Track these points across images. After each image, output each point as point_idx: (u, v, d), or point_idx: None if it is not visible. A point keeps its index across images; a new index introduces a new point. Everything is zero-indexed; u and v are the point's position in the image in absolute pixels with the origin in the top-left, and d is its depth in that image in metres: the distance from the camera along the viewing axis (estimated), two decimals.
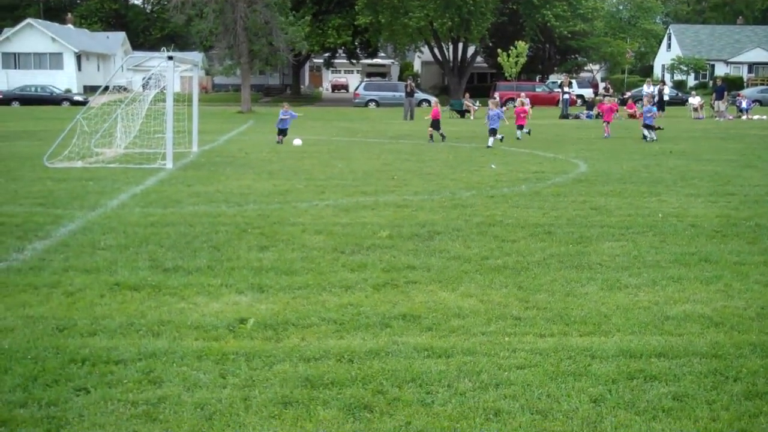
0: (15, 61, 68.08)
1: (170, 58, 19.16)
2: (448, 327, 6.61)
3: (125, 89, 23.09)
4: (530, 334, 6.44)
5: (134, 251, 9.23)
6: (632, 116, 42.30)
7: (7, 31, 68.09)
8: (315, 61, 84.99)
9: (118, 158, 19.51)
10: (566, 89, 43.71)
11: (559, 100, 49.14)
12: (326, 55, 73.16)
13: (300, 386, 5.31)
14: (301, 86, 76.89)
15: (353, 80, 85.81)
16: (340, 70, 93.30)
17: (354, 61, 77.70)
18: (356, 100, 56.67)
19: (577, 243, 9.95)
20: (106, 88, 21.54)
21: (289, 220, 11.28)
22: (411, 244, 9.83)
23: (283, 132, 24.59)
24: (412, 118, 41.06)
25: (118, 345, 6.04)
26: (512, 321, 6.79)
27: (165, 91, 19.51)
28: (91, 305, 7.10)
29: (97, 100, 22.17)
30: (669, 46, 78.75)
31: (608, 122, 28.08)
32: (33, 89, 57.52)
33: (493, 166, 18.46)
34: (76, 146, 19.19)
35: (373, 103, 55.81)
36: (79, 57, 69.62)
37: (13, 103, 54.74)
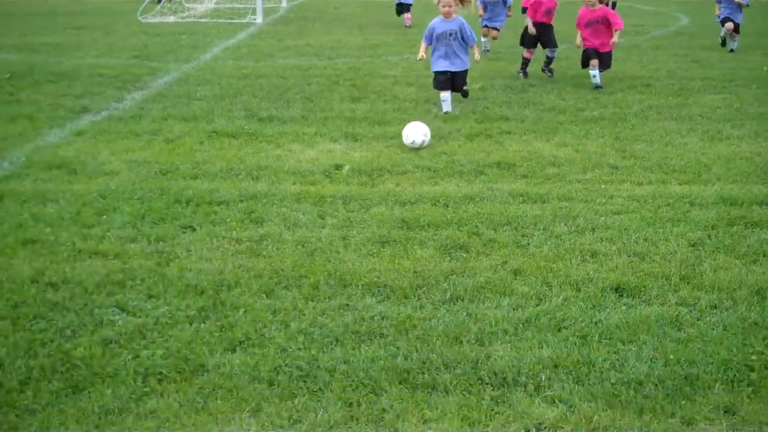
0: None
1: None
2: (543, 175, 6.57)
3: None
4: (627, 182, 6.35)
5: (229, 101, 9.36)
6: None
7: None
8: None
9: (209, 13, 19.52)
10: None
11: None
12: None
13: (396, 227, 5.39)
14: None
15: None
16: None
17: None
18: None
19: (677, 95, 9.65)
20: None
21: (380, 73, 11.21)
22: (504, 95, 9.68)
23: (405, 7, 17.88)
24: None
25: (220, 188, 6.21)
26: (609, 169, 6.70)
27: None
28: (191, 151, 7.28)
29: None
30: None
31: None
32: None
33: None
34: (168, 1, 19.26)
35: None
36: None
37: None
